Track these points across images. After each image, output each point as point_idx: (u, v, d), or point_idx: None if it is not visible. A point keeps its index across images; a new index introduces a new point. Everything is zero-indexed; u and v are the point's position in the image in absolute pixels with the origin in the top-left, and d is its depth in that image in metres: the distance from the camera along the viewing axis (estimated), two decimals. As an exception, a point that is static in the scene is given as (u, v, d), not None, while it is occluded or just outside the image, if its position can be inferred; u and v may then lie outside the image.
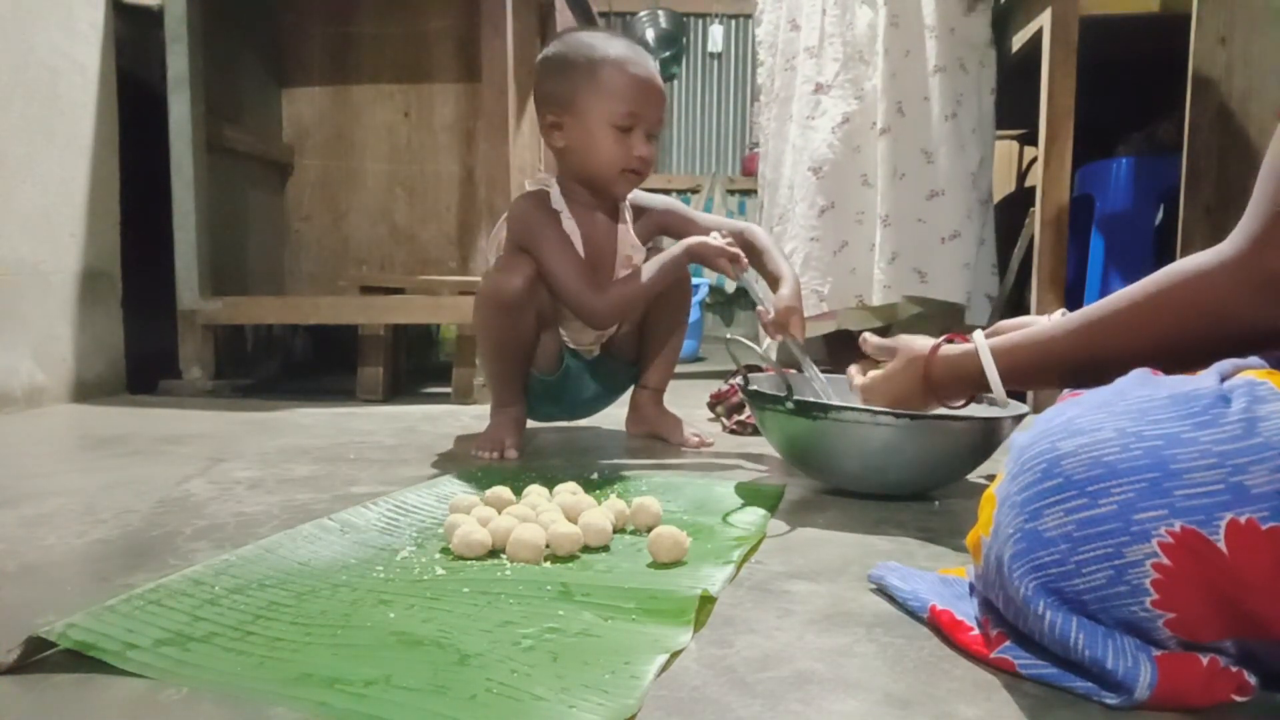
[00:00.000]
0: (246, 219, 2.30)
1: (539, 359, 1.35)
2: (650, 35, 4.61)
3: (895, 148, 2.06)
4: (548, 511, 0.83)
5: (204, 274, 2.00)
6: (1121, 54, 1.97)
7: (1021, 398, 1.38)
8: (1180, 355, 0.63)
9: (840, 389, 1.15)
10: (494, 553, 0.77)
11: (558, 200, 1.30)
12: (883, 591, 0.70)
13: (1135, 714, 0.50)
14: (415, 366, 2.36)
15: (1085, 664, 0.51)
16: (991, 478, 0.59)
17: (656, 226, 1.40)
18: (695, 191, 4.63)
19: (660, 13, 4.65)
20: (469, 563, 0.75)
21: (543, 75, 1.28)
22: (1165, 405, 0.51)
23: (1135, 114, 2.24)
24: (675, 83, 4.83)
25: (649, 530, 0.82)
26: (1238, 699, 0.50)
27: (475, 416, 1.63)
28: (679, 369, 1.55)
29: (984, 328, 0.95)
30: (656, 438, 1.43)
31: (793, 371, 1.22)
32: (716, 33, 4.83)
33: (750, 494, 1.02)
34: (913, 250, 2.05)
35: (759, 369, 1.35)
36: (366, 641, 0.58)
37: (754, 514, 0.93)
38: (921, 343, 0.94)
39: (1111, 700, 0.50)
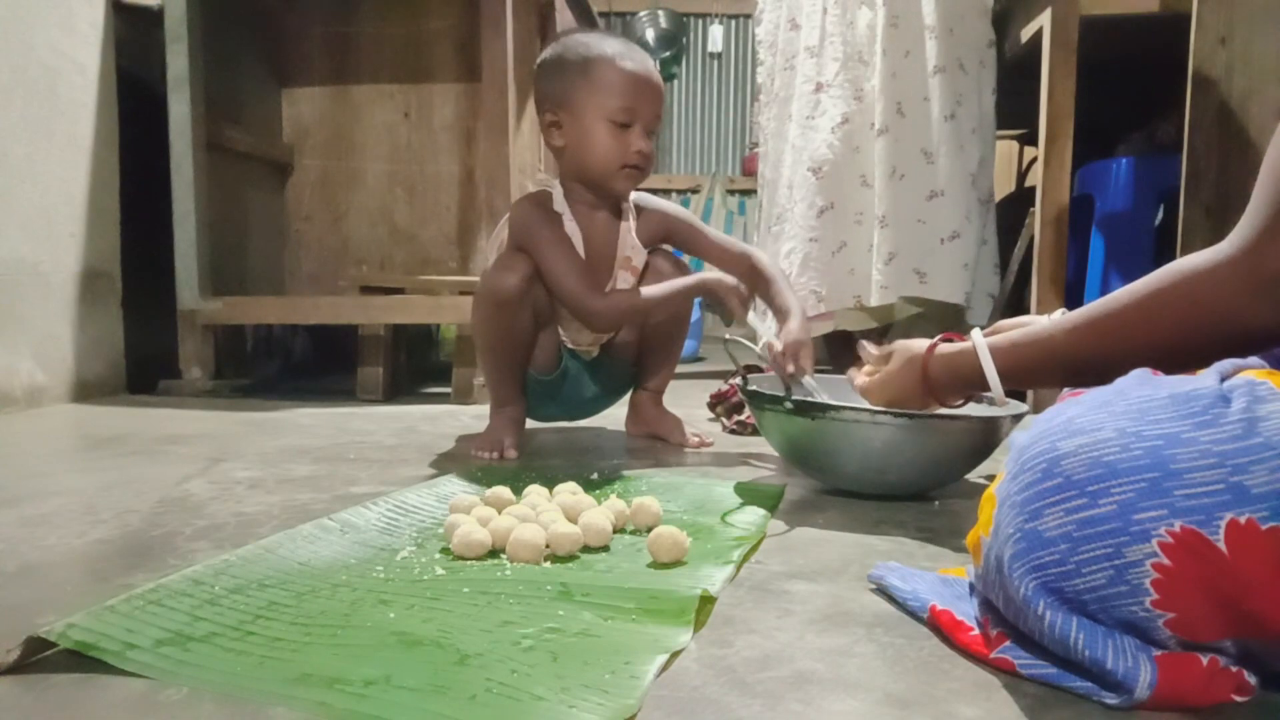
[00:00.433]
0: (246, 219, 2.30)
1: (537, 358, 1.35)
2: (650, 35, 4.62)
3: (894, 148, 2.07)
4: (548, 511, 0.83)
5: (204, 274, 2.00)
6: (1121, 54, 1.97)
7: (1020, 397, 1.38)
8: (1180, 355, 0.63)
9: (841, 391, 1.15)
10: (494, 553, 0.77)
11: (560, 202, 1.30)
12: (883, 591, 0.70)
13: (1135, 714, 0.50)
14: (415, 366, 2.36)
15: (1085, 664, 0.51)
16: (991, 478, 0.59)
17: (662, 232, 1.39)
18: (695, 191, 4.62)
19: (660, 13, 4.65)
20: (469, 563, 0.75)
21: (540, 76, 1.29)
22: (1165, 405, 0.51)
23: (1135, 114, 2.24)
24: (675, 83, 4.83)
25: (649, 530, 0.82)
26: (1238, 699, 0.50)
27: (475, 416, 1.63)
28: (679, 369, 1.55)
29: (983, 327, 0.95)
30: (656, 438, 1.43)
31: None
32: (716, 33, 4.83)
33: (750, 494, 1.02)
34: (912, 251, 2.05)
35: (758, 369, 1.35)
36: (366, 641, 0.58)
37: (754, 514, 0.93)
38: (919, 343, 0.94)
39: (1111, 700, 0.50)
